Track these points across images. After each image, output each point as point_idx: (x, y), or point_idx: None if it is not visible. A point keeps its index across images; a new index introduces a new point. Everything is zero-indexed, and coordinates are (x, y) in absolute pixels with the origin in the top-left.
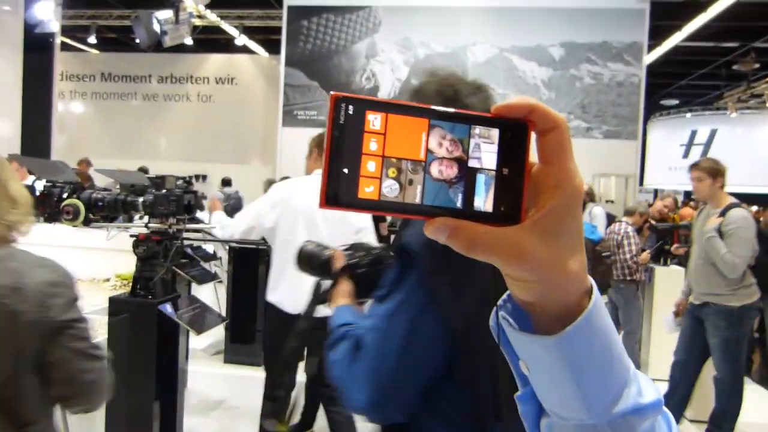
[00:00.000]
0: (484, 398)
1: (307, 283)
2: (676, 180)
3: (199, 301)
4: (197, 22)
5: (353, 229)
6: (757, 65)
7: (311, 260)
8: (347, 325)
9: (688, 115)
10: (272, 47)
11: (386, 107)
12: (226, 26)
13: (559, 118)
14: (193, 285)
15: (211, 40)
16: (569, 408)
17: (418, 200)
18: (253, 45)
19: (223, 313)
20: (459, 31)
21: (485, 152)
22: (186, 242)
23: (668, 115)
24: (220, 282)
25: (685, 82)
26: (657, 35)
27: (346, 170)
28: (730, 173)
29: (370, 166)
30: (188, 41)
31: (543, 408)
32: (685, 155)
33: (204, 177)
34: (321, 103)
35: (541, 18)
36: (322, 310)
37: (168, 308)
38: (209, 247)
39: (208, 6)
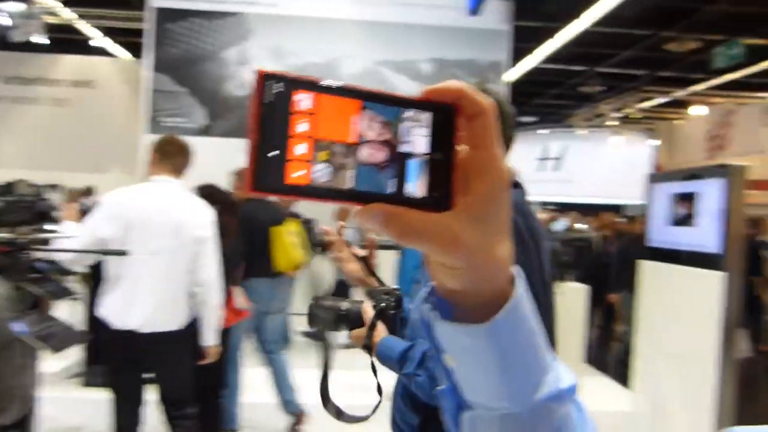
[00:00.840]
0: None
1: (138, 297)
2: (531, 191)
3: (54, 318)
4: (51, 19)
5: (191, 239)
6: (600, 88)
7: (338, 317)
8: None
9: (544, 131)
10: (135, 50)
11: (317, 87)
12: (83, 26)
13: (486, 103)
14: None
15: (66, 40)
16: (494, 397)
17: (349, 185)
18: (113, 47)
19: None
20: (332, 42)
21: (416, 136)
22: (39, 255)
23: (525, 131)
24: (76, 300)
25: (542, 101)
26: (515, 56)
27: (274, 153)
28: (581, 186)
29: (299, 148)
30: (41, 40)
31: (463, 403)
32: (540, 169)
33: (54, 186)
34: (190, 110)
35: (411, 34)
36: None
37: (18, 326)
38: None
39: (65, 3)
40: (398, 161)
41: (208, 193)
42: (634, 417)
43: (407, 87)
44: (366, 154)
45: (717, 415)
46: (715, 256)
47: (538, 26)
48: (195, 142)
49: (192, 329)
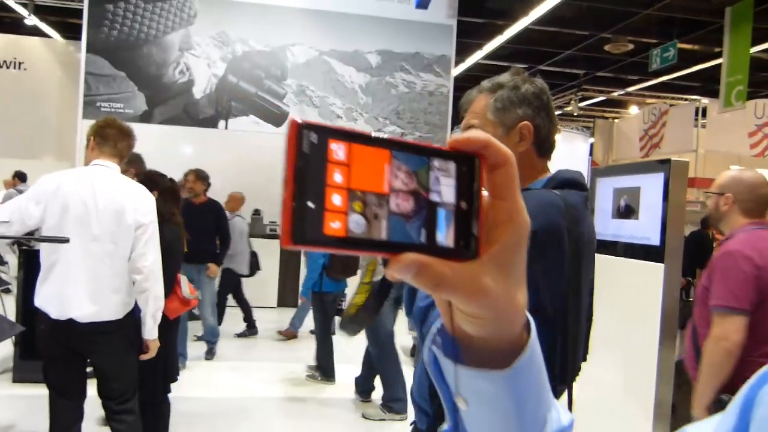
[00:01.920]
0: (552, 365)
1: (75, 286)
2: None
3: None
4: None
5: (131, 225)
6: None
7: None
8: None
9: None
10: (69, 31)
11: (350, 136)
12: (11, 3)
13: (509, 154)
14: None
15: None
16: None
17: (384, 236)
18: (45, 27)
19: None
20: (278, 30)
21: (444, 186)
22: None
23: None
24: (8, 291)
25: None
26: (463, 51)
27: (311, 204)
28: None
29: (335, 199)
30: None
31: None
32: None
33: None
34: (129, 95)
35: (359, 25)
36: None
37: None
38: None
39: None
40: (428, 211)
41: (148, 178)
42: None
43: (355, 78)
44: (397, 204)
45: (655, 407)
46: (656, 248)
47: (483, 23)
48: (134, 129)
49: (132, 320)
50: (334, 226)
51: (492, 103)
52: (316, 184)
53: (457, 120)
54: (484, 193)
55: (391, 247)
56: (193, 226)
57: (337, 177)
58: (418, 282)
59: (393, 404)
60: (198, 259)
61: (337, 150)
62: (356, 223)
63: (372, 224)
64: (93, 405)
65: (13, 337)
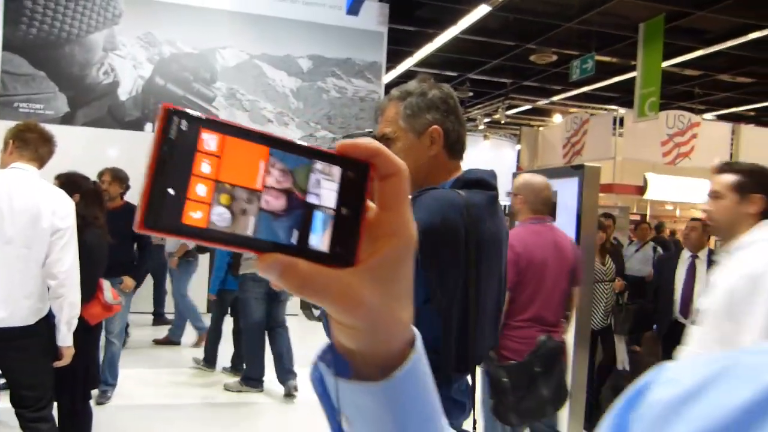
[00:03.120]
0: (448, 356)
1: (11, 293)
2: None
3: None
4: None
5: (47, 230)
6: (471, 93)
7: None
8: None
9: None
10: None
11: (225, 128)
12: None
13: (401, 165)
14: None
15: None
16: None
17: (250, 232)
18: None
19: None
20: (207, 32)
21: (325, 189)
22: None
23: None
24: None
25: None
26: (394, 58)
27: (171, 191)
28: None
29: (199, 189)
30: None
31: None
32: None
33: None
34: (49, 95)
35: (290, 29)
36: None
37: None
38: None
39: None
40: (303, 212)
41: (70, 180)
42: None
43: (286, 82)
44: (269, 201)
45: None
46: None
47: (414, 30)
48: (55, 131)
49: (47, 326)
50: (194, 216)
51: (402, 110)
52: (180, 172)
53: None
54: (371, 204)
55: (258, 245)
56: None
57: (205, 167)
58: (283, 282)
59: (250, 381)
60: (112, 272)
61: (209, 140)
62: (220, 216)
63: (238, 219)
64: (8, 413)
65: None
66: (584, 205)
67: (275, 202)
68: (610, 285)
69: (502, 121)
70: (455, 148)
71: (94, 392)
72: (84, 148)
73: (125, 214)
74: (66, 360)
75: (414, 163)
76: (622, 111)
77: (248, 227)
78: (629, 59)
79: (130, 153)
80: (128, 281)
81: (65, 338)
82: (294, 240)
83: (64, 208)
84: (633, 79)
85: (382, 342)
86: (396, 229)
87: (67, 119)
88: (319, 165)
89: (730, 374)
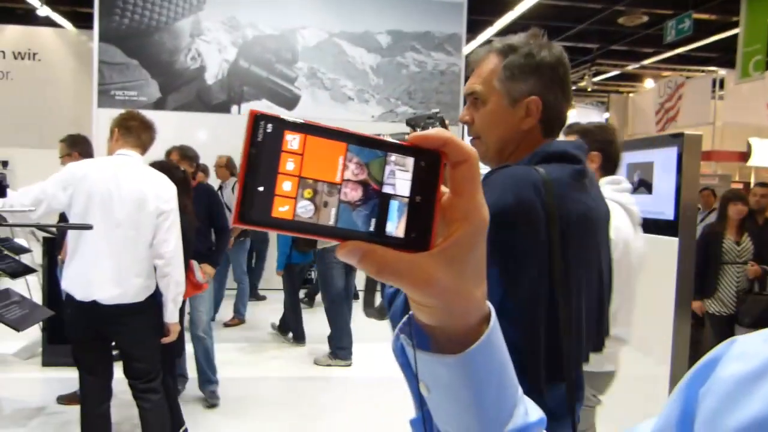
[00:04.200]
0: (534, 361)
1: (99, 269)
2: None
3: (16, 295)
4: None
5: (153, 212)
6: None
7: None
8: None
9: None
10: (81, 21)
11: (306, 128)
12: None
13: (471, 152)
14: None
15: (5, 10)
16: (465, 428)
17: (331, 222)
18: (57, 17)
19: None
20: (287, 13)
21: (399, 179)
22: None
23: None
24: (35, 271)
25: None
26: (473, 28)
27: (261, 188)
28: None
29: (285, 185)
30: None
31: None
32: None
33: (5, 163)
34: (141, 83)
35: (368, 5)
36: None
37: None
38: (22, 241)
39: None
40: (379, 202)
41: (164, 169)
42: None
43: (366, 59)
44: (347, 193)
45: (671, 379)
46: (670, 222)
47: None
48: (149, 116)
49: (154, 303)
50: (282, 209)
51: (501, 69)
52: (268, 171)
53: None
54: (445, 189)
55: (339, 234)
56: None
57: (290, 165)
58: (362, 267)
59: (339, 352)
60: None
61: (292, 141)
62: (304, 209)
63: (320, 211)
64: (122, 385)
65: (41, 323)
66: (685, 177)
67: (353, 194)
68: (743, 268)
69: (589, 89)
70: (553, 125)
71: (202, 395)
72: (175, 133)
73: (200, 196)
74: (173, 336)
75: (501, 133)
76: (722, 72)
77: (330, 217)
78: (730, 15)
79: (217, 135)
80: (207, 269)
81: (172, 315)
82: (372, 228)
83: (167, 192)
84: (735, 36)
85: (458, 318)
86: (467, 214)
87: (159, 105)
88: (393, 157)
89: None
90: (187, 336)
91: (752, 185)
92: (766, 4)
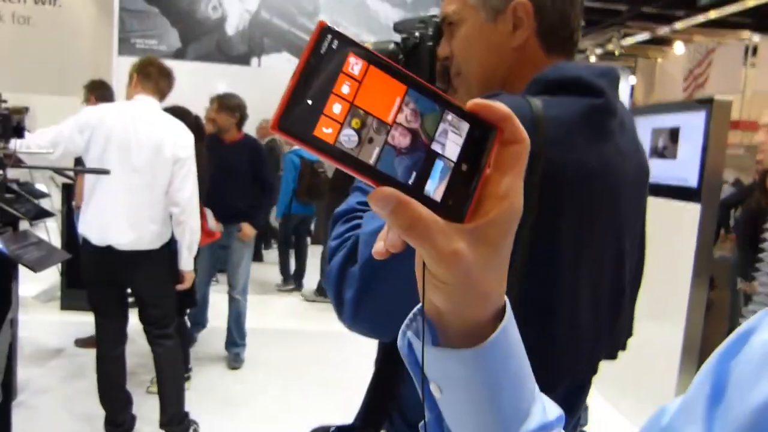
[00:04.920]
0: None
1: (116, 214)
2: None
3: (34, 237)
4: None
5: (171, 158)
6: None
7: None
8: None
9: None
10: None
11: (371, 58)
12: None
13: (526, 136)
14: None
15: None
16: (482, 428)
17: (371, 161)
18: None
19: None
20: None
21: (450, 141)
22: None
23: None
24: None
25: None
26: None
27: (309, 101)
28: None
29: (336, 107)
30: None
31: None
32: None
33: (26, 109)
34: (162, 32)
35: None
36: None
37: None
38: (42, 186)
39: None
40: (425, 157)
41: (175, 114)
42: None
43: (389, 13)
44: (395, 137)
45: (684, 341)
46: (693, 189)
47: None
48: (168, 65)
49: (170, 250)
50: (325, 131)
51: None
52: (322, 86)
53: None
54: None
55: (377, 175)
56: (219, 173)
57: (345, 89)
58: (393, 219)
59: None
60: (226, 218)
61: (354, 65)
62: (348, 138)
63: (364, 145)
64: (137, 329)
65: (60, 267)
66: (711, 144)
67: (401, 139)
68: None
69: (616, 53)
70: (555, 37)
71: (228, 357)
72: (193, 83)
73: (243, 150)
74: (187, 283)
75: (484, 58)
76: (755, 38)
77: (371, 156)
78: None
79: (236, 87)
80: (247, 229)
81: (187, 262)
82: (411, 181)
83: (184, 139)
84: None
85: (474, 305)
86: (507, 193)
87: (179, 54)
88: (449, 116)
89: None
90: (220, 294)
91: None
92: None
